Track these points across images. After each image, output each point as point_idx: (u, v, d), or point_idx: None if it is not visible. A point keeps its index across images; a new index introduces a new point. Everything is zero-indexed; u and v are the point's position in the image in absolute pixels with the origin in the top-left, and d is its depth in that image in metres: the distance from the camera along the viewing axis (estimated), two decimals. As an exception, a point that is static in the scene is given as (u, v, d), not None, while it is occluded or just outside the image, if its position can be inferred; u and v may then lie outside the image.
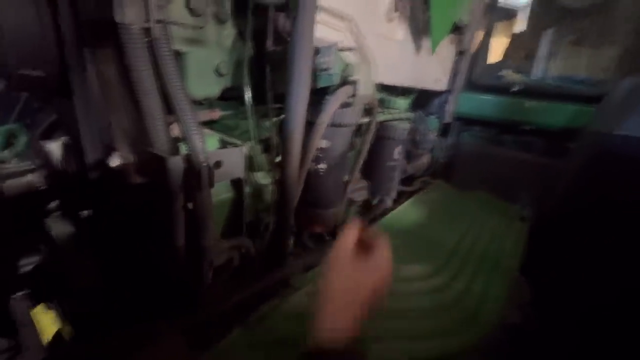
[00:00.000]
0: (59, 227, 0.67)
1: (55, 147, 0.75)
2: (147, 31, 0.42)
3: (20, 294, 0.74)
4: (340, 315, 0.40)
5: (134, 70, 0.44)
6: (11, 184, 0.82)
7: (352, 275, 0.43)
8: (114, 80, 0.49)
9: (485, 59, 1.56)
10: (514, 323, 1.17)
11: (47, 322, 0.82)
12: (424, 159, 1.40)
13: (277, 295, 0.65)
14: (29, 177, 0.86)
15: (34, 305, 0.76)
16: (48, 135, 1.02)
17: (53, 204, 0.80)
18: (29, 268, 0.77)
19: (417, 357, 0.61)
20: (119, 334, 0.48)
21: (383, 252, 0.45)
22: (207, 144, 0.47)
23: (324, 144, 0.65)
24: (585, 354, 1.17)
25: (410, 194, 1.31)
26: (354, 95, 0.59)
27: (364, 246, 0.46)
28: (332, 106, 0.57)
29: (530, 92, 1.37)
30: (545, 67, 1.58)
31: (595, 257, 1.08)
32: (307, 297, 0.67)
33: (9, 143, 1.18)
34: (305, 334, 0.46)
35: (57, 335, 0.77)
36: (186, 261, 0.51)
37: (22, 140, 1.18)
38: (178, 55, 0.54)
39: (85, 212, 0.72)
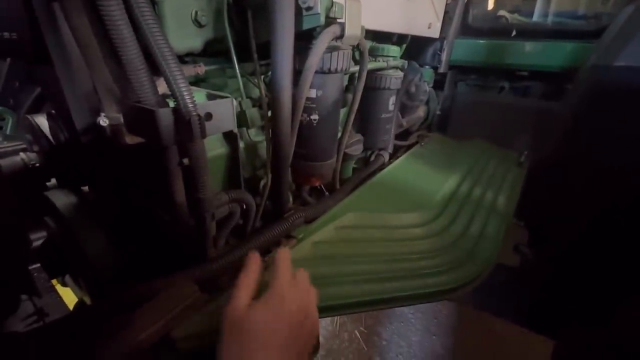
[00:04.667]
0: (60, 198, 0.68)
1: (44, 120, 0.74)
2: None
3: (35, 266, 0.77)
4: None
5: (108, 22, 0.42)
6: (4, 162, 0.81)
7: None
8: (90, 35, 0.47)
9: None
10: (509, 263, 1.23)
11: (66, 293, 0.86)
12: (420, 112, 1.38)
13: (281, 246, 0.68)
14: (22, 155, 0.85)
15: (50, 278, 0.78)
16: (35, 111, 0.99)
17: (53, 180, 0.80)
18: (37, 243, 0.79)
19: (414, 293, 0.65)
20: (134, 288, 0.51)
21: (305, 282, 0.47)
22: (196, 98, 0.46)
23: (314, 93, 0.64)
24: (577, 295, 1.23)
25: (406, 149, 1.31)
26: (341, 37, 0.56)
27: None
28: (319, 48, 0.55)
29: (528, 32, 1.31)
30: (544, 5, 1.51)
31: (594, 195, 1.10)
32: (312, 247, 0.70)
33: (-4, 126, 1.16)
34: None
35: (80, 301, 0.81)
36: (189, 216, 0.52)
37: (9, 121, 1.16)
38: (153, 5, 0.51)
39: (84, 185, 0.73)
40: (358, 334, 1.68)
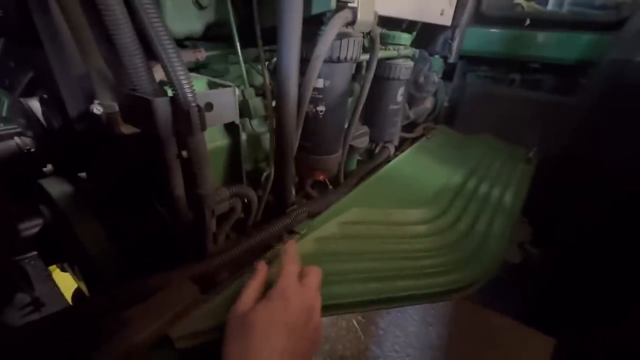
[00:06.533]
0: (56, 187, 0.65)
1: (37, 104, 0.71)
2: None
3: (30, 254, 0.75)
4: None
5: (100, 2, 0.38)
6: (-1, 147, 0.79)
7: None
8: (81, 16, 0.43)
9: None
10: (514, 261, 1.22)
11: (64, 280, 0.85)
12: (427, 104, 1.34)
13: (283, 242, 0.66)
14: (17, 140, 0.82)
15: (47, 266, 0.77)
16: (29, 94, 0.96)
17: (49, 166, 0.78)
18: (33, 231, 0.78)
19: (419, 293, 0.63)
20: (132, 284, 0.49)
21: (314, 281, 0.47)
22: (195, 86, 0.43)
23: (321, 83, 0.60)
24: (580, 295, 1.22)
25: (412, 141, 1.28)
26: (353, 23, 0.52)
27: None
28: (329, 35, 0.51)
29: (544, 22, 1.25)
30: (562, -8, 1.44)
31: (606, 195, 1.07)
32: (315, 243, 0.68)
33: (-9, 108, 1.12)
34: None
35: (77, 290, 0.80)
36: (188, 211, 0.50)
37: (5, 103, 1.12)
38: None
39: (81, 172, 0.70)
40: (355, 323, 1.69)
